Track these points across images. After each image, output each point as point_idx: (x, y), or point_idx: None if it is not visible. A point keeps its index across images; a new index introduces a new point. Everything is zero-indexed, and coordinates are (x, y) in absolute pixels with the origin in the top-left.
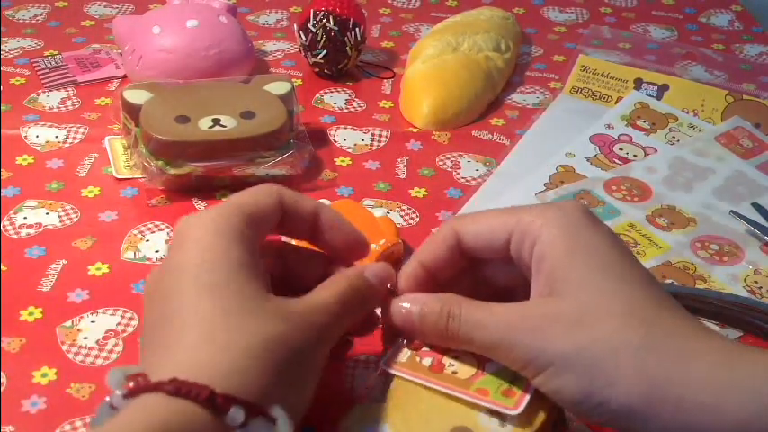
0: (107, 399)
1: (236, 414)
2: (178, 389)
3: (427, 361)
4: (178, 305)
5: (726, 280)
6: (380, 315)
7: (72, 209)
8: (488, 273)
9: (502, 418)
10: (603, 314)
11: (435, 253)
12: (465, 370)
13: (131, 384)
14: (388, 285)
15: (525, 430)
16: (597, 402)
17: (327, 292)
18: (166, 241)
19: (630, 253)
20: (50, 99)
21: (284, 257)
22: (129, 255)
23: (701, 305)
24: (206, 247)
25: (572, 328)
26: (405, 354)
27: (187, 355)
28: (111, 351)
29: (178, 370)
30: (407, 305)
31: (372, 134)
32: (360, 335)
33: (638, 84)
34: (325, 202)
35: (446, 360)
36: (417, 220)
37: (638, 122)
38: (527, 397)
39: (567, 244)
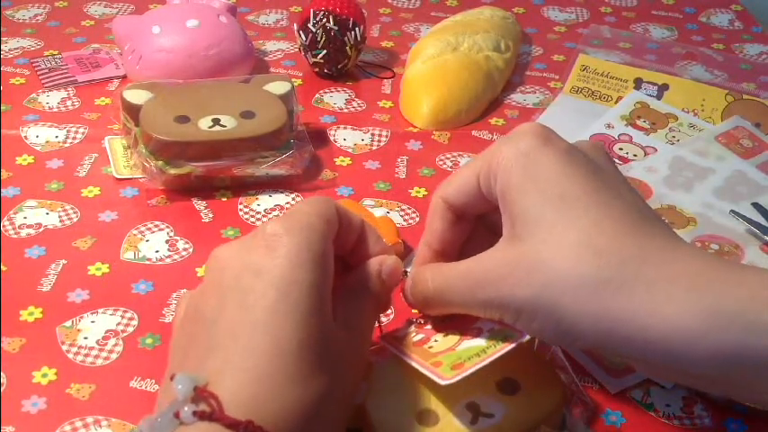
0: (173, 405)
1: None
2: (220, 418)
3: (418, 336)
4: (252, 305)
5: None
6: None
7: (72, 209)
8: (494, 222)
9: (477, 414)
10: (559, 250)
11: (434, 229)
12: (442, 346)
13: (203, 407)
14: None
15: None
16: (571, 341)
17: (364, 316)
18: (166, 241)
19: (594, 170)
20: (50, 99)
21: None
22: (129, 255)
23: None
24: (296, 259)
25: (530, 272)
26: (406, 330)
27: (249, 381)
28: (111, 351)
29: (240, 397)
30: (408, 275)
31: (372, 134)
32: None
33: (638, 83)
34: None
35: (434, 336)
36: (417, 219)
37: (638, 122)
38: (463, 375)
39: (520, 178)
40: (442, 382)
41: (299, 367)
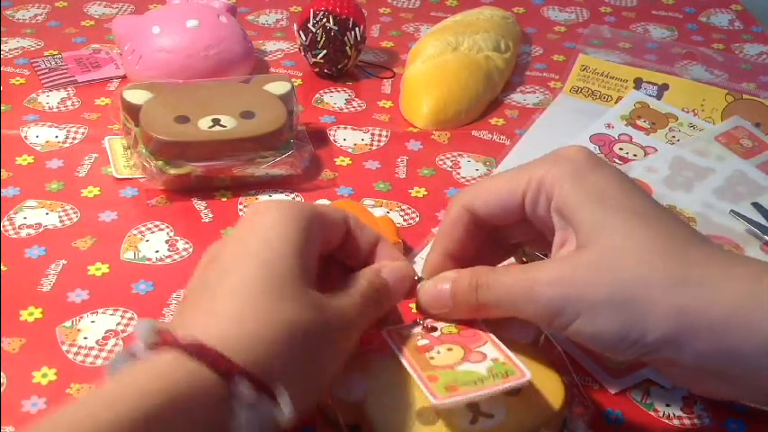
0: (130, 346)
1: (246, 389)
2: (198, 351)
3: (422, 342)
4: (227, 275)
5: None
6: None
7: (72, 209)
8: (507, 235)
9: (477, 414)
10: (625, 255)
11: (453, 236)
12: (443, 360)
13: (156, 339)
14: (415, 278)
15: None
16: (633, 341)
17: (353, 290)
18: (166, 241)
19: (644, 191)
20: (50, 99)
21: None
22: (129, 255)
23: None
24: (272, 229)
25: (596, 273)
26: (411, 330)
27: (215, 323)
28: (111, 351)
29: (203, 333)
30: (435, 285)
31: (372, 134)
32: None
33: (638, 83)
34: (325, 202)
35: (438, 347)
36: (417, 219)
37: (638, 122)
38: (454, 400)
39: (578, 193)
40: (434, 401)
41: (262, 309)
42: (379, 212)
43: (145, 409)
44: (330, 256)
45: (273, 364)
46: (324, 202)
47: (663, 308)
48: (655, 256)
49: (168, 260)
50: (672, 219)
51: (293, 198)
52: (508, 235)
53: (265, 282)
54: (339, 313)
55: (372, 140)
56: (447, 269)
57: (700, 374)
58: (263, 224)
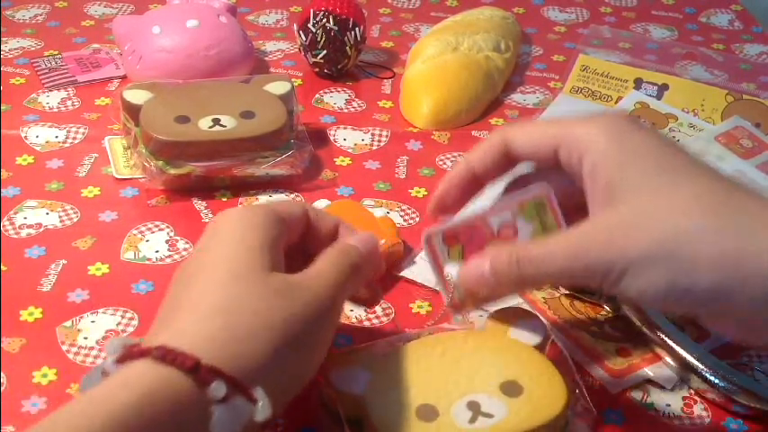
0: (101, 364)
1: (218, 388)
2: (164, 356)
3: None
4: (192, 282)
5: None
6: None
7: (72, 209)
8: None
9: (476, 413)
10: (665, 209)
11: (484, 158)
12: None
13: (124, 352)
14: (381, 242)
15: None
16: (682, 292)
17: (321, 261)
18: (166, 241)
19: (682, 148)
20: (50, 99)
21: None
22: (129, 255)
23: None
24: (232, 231)
25: (640, 229)
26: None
27: (183, 329)
28: None
29: (171, 340)
30: (476, 265)
31: (372, 134)
32: (367, 305)
33: (638, 83)
34: (325, 201)
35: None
36: (417, 219)
37: None
38: None
39: (617, 151)
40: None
41: (229, 302)
42: (379, 212)
43: (115, 418)
44: (295, 249)
45: (246, 354)
46: (324, 202)
47: (708, 257)
48: (695, 208)
49: (168, 260)
50: (715, 173)
51: (293, 199)
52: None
53: (230, 278)
54: (312, 289)
55: (372, 140)
56: (464, 178)
57: (757, 324)
58: (224, 230)
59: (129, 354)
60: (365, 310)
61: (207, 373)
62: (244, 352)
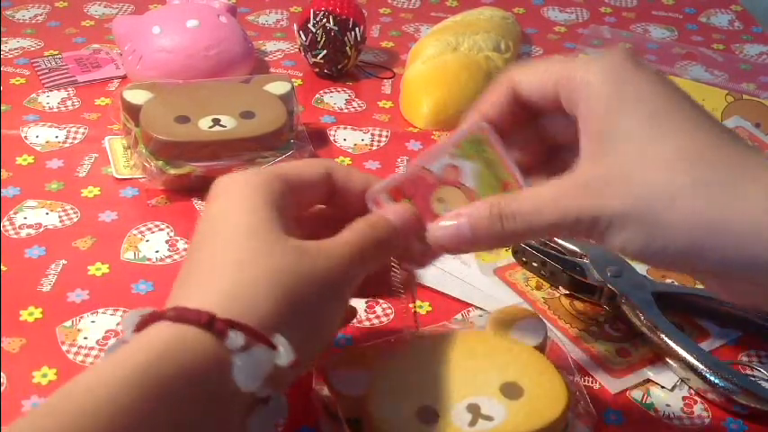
0: (120, 336)
1: (236, 338)
2: (180, 315)
3: None
4: (203, 248)
5: None
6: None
7: (72, 209)
8: (548, 127)
9: (476, 416)
10: (652, 162)
11: (493, 102)
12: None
13: (140, 320)
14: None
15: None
16: (655, 252)
17: (347, 231)
18: (166, 241)
19: (682, 95)
20: (50, 99)
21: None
22: (129, 255)
23: (701, 305)
24: (239, 194)
25: (623, 184)
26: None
27: (197, 288)
28: None
29: (185, 300)
30: (451, 222)
31: (372, 134)
32: (379, 296)
33: None
34: None
35: None
36: None
37: None
38: None
39: (610, 96)
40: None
41: (242, 263)
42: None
43: (133, 377)
44: (320, 215)
45: (262, 309)
46: None
47: (682, 216)
48: (677, 162)
49: (168, 260)
50: (709, 122)
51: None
52: (551, 129)
53: (240, 239)
54: (324, 256)
55: (372, 141)
56: (506, 108)
57: (738, 287)
58: (230, 193)
59: (145, 321)
60: (365, 310)
61: (223, 325)
62: (257, 306)
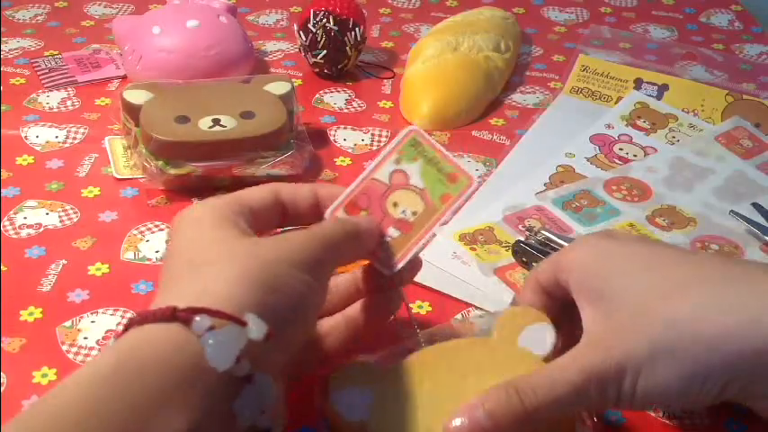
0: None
1: (201, 321)
2: (144, 317)
3: None
4: (173, 269)
5: None
6: None
7: (72, 209)
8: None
9: None
10: (663, 298)
11: (531, 299)
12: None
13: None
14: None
15: None
16: (700, 379)
17: (312, 225)
18: (166, 241)
19: (653, 241)
20: (50, 99)
21: None
22: (129, 255)
23: None
24: (203, 215)
25: (640, 326)
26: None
27: (170, 296)
28: None
29: (153, 306)
30: (462, 419)
31: (372, 134)
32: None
33: (638, 83)
34: None
35: None
36: None
37: (638, 122)
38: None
39: (595, 262)
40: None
41: (210, 252)
42: None
43: (98, 376)
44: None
45: (233, 294)
46: None
47: (712, 336)
48: (692, 286)
49: None
50: (705, 253)
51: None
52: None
53: (206, 244)
54: (297, 239)
55: (372, 141)
56: (541, 302)
57: None
58: (193, 217)
59: (118, 335)
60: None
61: (185, 313)
62: (230, 292)
